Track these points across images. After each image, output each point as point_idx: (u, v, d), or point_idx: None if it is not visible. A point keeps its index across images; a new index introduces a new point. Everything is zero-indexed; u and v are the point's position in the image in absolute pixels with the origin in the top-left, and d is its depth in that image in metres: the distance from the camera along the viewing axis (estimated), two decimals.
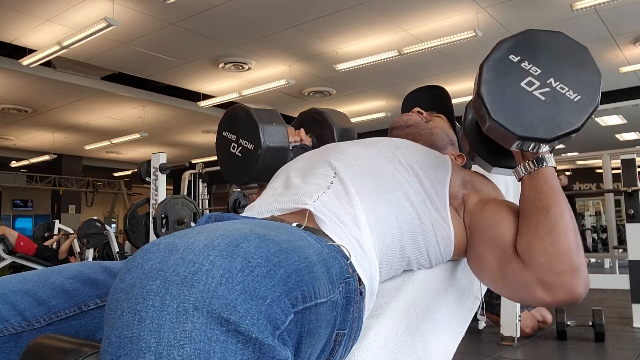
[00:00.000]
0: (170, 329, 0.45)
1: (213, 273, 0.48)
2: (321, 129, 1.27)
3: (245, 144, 1.16)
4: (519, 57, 0.81)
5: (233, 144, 1.19)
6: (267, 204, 0.87)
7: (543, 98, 0.79)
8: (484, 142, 0.99)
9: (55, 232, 7.64)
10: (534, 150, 0.83)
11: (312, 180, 0.88)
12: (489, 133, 0.85)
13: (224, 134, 1.22)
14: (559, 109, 0.78)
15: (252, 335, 0.48)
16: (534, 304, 0.79)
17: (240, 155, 1.17)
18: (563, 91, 0.79)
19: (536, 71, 0.81)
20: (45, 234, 7.63)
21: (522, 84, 0.80)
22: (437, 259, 0.93)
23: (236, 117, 1.20)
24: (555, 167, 0.85)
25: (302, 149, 1.24)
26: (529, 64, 0.81)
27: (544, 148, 0.83)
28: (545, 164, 0.84)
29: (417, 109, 1.21)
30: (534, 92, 0.80)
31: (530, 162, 0.84)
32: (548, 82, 0.80)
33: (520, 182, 0.87)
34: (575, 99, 0.79)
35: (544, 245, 0.79)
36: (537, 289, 0.79)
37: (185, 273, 0.48)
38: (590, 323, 2.94)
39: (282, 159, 1.15)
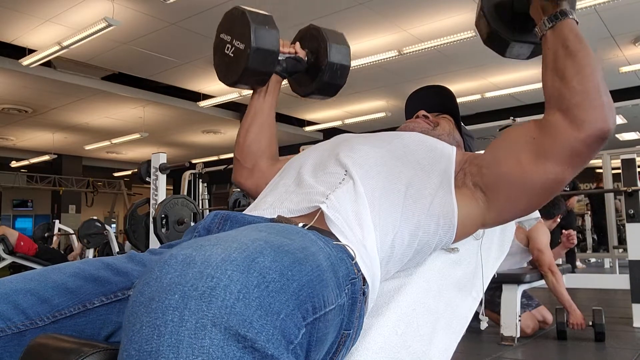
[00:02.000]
0: (189, 344, 0.46)
1: (231, 289, 0.49)
2: (316, 44, 1.29)
3: (237, 44, 1.17)
4: None
5: (227, 45, 1.21)
6: (280, 202, 0.88)
7: None
8: (502, 18, 1.03)
9: (56, 231, 7.65)
10: (557, 1, 0.88)
11: (324, 179, 0.89)
12: None
13: (221, 35, 1.24)
14: None
15: (267, 352, 0.48)
16: (569, 150, 0.81)
17: (232, 55, 1.19)
18: None
19: None
20: (46, 234, 7.63)
21: None
22: (438, 246, 0.94)
23: (233, 18, 1.22)
24: (577, 21, 0.88)
25: (295, 60, 1.26)
26: None
27: (565, 1, 0.88)
28: (568, 15, 0.87)
29: (423, 112, 1.20)
30: None
31: (552, 16, 0.88)
32: None
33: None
34: None
35: (572, 85, 0.82)
36: (568, 130, 0.81)
37: (204, 288, 0.48)
38: (590, 323, 2.94)
39: (270, 63, 1.18)
